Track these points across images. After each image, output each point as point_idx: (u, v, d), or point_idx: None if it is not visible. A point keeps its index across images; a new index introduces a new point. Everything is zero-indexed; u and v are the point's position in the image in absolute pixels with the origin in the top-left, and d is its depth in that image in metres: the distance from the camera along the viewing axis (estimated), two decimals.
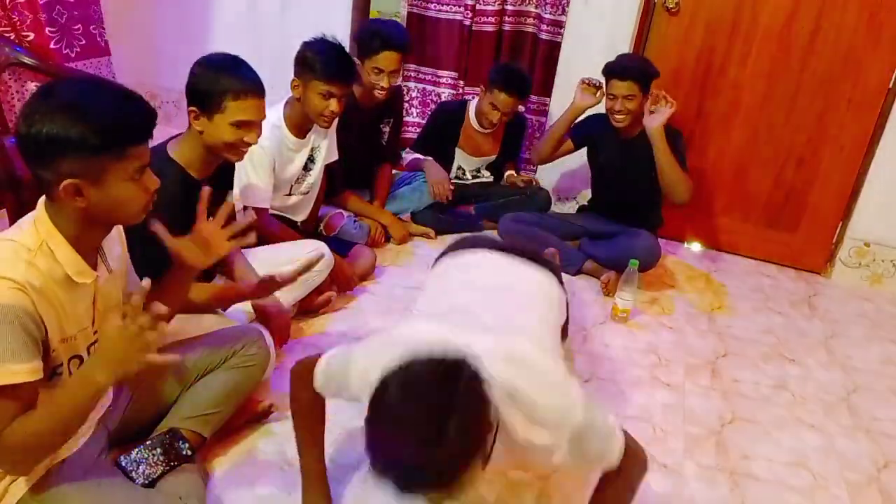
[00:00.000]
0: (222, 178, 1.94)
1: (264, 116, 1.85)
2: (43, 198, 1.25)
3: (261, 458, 1.70)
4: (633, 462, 1.33)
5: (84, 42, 2.96)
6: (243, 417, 1.76)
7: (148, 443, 1.50)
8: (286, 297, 2.16)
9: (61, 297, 1.21)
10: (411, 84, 3.63)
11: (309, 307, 2.34)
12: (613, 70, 2.71)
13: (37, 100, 1.18)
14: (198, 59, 1.83)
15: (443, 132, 3.22)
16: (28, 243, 1.19)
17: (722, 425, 2.08)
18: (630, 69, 2.71)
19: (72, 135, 1.15)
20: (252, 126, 1.81)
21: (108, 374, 1.17)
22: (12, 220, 2.32)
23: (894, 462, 2.03)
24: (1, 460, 1.23)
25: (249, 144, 1.82)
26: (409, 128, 3.72)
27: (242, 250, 2.09)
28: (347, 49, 2.44)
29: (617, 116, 2.73)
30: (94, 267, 1.29)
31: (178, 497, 1.37)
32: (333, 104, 2.30)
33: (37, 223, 1.23)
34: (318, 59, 2.27)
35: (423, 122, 3.62)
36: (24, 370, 1.15)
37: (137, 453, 1.47)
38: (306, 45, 2.33)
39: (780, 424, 2.12)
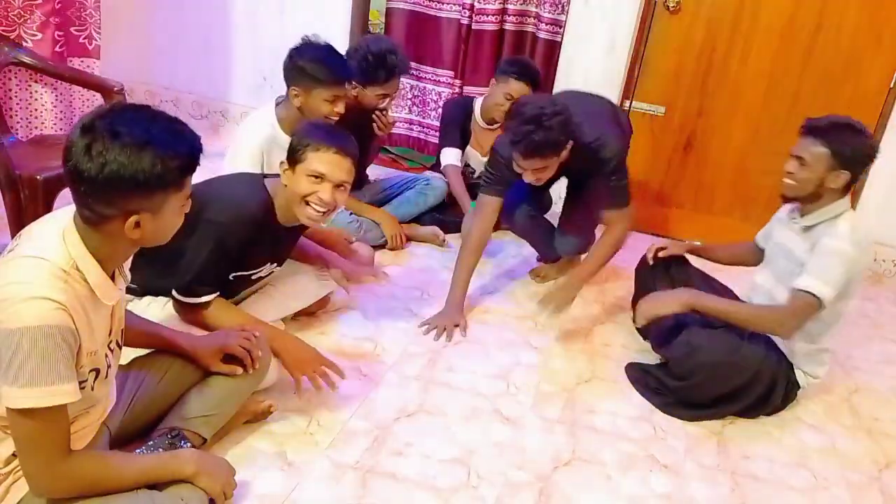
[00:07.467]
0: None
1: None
2: (71, 215, 1.23)
3: (260, 459, 1.69)
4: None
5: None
6: (243, 418, 1.76)
7: (150, 443, 1.50)
8: (290, 306, 2.17)
9: (90, 314, 1.22)
10: (412, 82, 3.63)
11: (308, 310, 2.32)
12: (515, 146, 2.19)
13: (102, 138, 1.12)
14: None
15: (460, 125, 3.11)
16: (60, 263, 1.17)
17: (723, 425, 2.07)
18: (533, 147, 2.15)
19: (152, 174, 1.14)
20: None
21: (197, 472, 1.36)
22: (11, 220, 2.34)
23: (895, 462, 2.03)
24: (58, 483, 1.22)
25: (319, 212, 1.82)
26: (409, 125, 3.72)
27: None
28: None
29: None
30: (113, 279, 1.29)
31: (179, 498, 1.37)
32: (340, 106, 2.32)
33: (66, 241, 1.20)
34: (319, 68, 2.24)
35: (421, 119, 3.62)
36: (69, 390, 1.17)
37: (140, 454, 1.47)
38: (298, 54, 2.27)
39: (780, 424, 2.12)
